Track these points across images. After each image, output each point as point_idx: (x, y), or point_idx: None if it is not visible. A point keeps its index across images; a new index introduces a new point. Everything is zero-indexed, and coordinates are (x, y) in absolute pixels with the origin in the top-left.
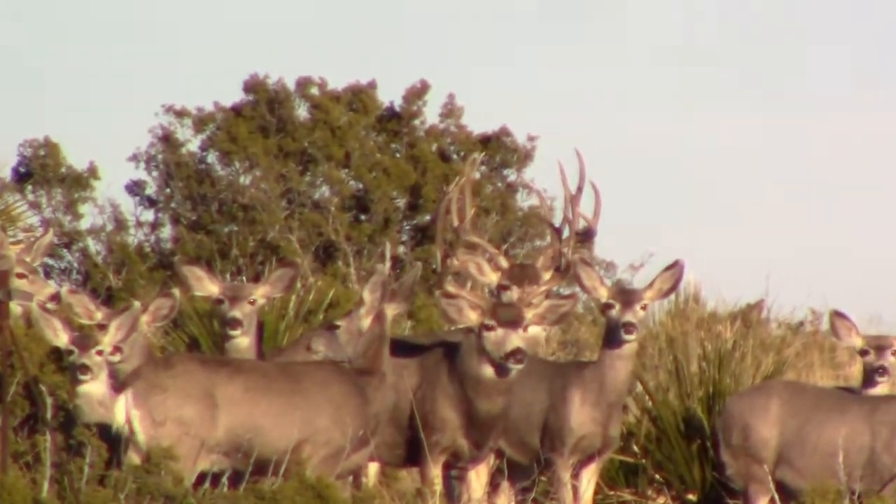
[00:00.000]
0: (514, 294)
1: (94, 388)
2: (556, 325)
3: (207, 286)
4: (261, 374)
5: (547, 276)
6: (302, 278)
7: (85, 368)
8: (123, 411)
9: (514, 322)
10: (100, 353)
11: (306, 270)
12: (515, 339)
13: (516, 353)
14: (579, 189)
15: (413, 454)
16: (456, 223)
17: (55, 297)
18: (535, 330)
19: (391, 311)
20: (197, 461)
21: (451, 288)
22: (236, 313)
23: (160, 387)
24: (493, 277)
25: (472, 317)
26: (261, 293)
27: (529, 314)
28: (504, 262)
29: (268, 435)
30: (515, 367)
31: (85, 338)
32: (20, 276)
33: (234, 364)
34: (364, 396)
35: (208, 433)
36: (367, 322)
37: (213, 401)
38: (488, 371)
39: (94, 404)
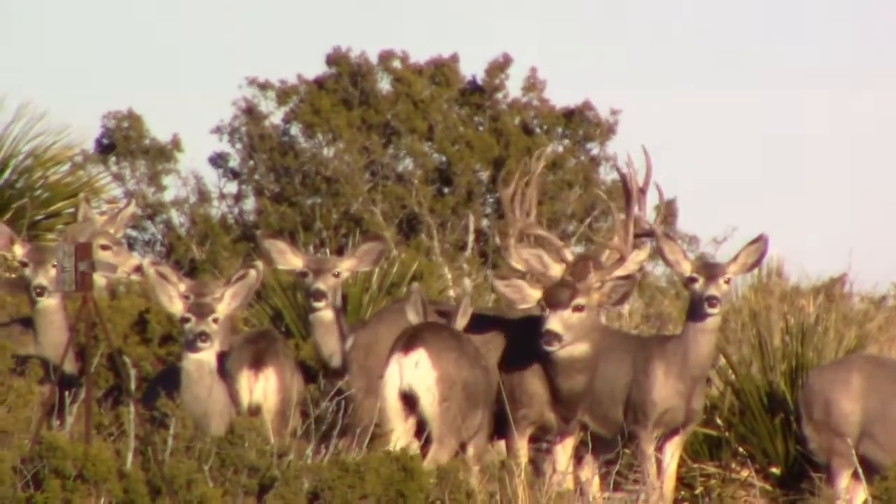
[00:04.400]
0: None
1: (208, 356)
2: (619, 305)
3: (291, 259)
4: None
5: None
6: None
7: (205, 336)
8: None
9: (559, 304)
10: (216, 320)
11: (390, 243)
12: (552, 321)
13: (545, 335)
14: (645, 185)
15: (499, 427)
16: (519, 218)
17: (139, 269)
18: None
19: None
20: None
21: (516, 264)
22: (321, 285)
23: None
24: (556, 270)
25: (536, 295)
26: (346, 266)
27: (584, 299)
28: (569, 255)
29: None
30: (547, 349)
31: (202, 305)
32: (104, 247)
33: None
34: None
35: None
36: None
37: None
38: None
39: (205, 373)
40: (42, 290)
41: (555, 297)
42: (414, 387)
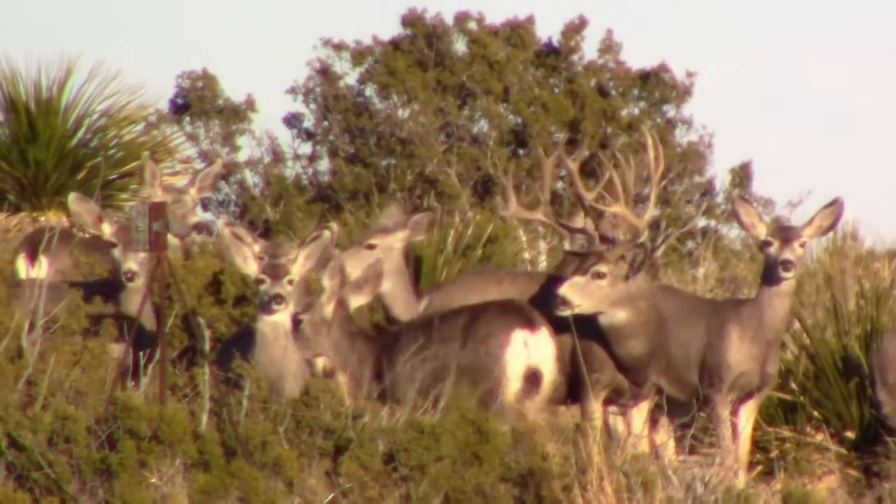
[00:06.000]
0: None
1: (283, 318)
2: (634, 275)
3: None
4: None
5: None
6: (460, 213)
7: (280, 298)
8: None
9: (576, 270)
10: (290, 282)
11: (464, 205)
12: (563, 286)
13: (553, 298)
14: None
15: (574, 390)
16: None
17: (199, 227)
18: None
19: (355, 302)
20: None
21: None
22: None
23: None
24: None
25: None
26: (398, 237)
27: (607, 267)
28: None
29: None
30: (556, 313)
31: (277, 267)
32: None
33: None
34: None
35: None
36: (329, 309)
37: None
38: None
39: (280, 334)
40: (133, 276)
41: (576, 263)
42: (541, 365)
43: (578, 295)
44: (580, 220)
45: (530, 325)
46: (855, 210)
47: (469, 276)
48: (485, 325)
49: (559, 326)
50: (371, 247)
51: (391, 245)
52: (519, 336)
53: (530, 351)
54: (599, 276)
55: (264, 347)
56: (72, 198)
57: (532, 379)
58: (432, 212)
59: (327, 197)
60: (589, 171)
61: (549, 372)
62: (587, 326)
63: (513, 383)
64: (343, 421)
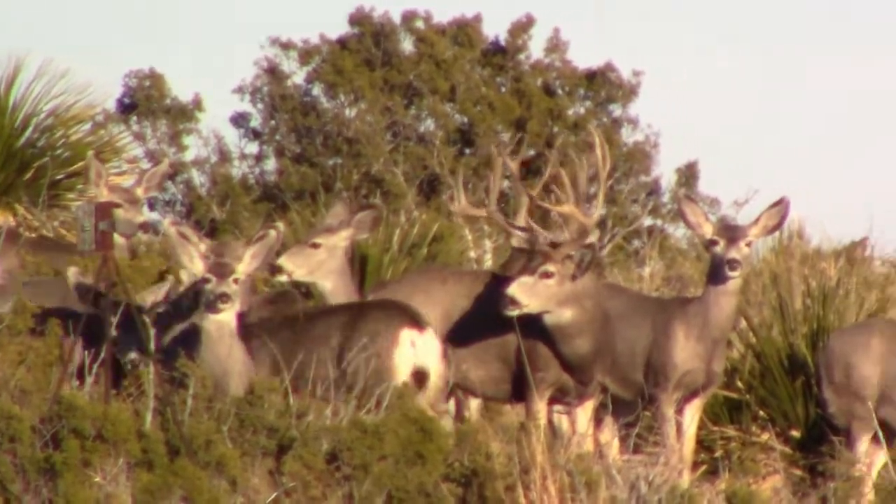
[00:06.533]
0: None
1: (229, 316)
2: (583, 275)
3: None
4: None
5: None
6: (406, 212)
7: (226, 297)
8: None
9: (523, 270)
10: (236, 281)
11: (410, 204)
12: (511, 286)
13: (501, 298)
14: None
15: (518, 389)
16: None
17: (145, 227)
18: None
19: None
20: None
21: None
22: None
23: None
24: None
25: None
26: (342, 236)
27: (554, 266)
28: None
29: None
30: (504, 313)
31: (222, 266)
32: (115, 205)
33: None
34: None
35: None
36: None
37: None
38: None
39: (225, 333)
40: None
41: (523, 263)
42: (427, 364)
43: (527, 294)
44: (523, 218)
45: (417, 324)
46: (801, 209)
47: (414, 275)
48: (371, 322)
49: (504, 326)
50: (315, 246)
51: (335, 244)
52: (406, 335)
53: (417, 350)
54: (547, 275)
55: (209, 346)
56: (71, 271)
57: (418, 378)
58: (376, 209)
59: (274, 196)
60: (535, 169)
61: (436, 370)
62: (531, 325)
63: (399, 381)
64: (287, 420)
